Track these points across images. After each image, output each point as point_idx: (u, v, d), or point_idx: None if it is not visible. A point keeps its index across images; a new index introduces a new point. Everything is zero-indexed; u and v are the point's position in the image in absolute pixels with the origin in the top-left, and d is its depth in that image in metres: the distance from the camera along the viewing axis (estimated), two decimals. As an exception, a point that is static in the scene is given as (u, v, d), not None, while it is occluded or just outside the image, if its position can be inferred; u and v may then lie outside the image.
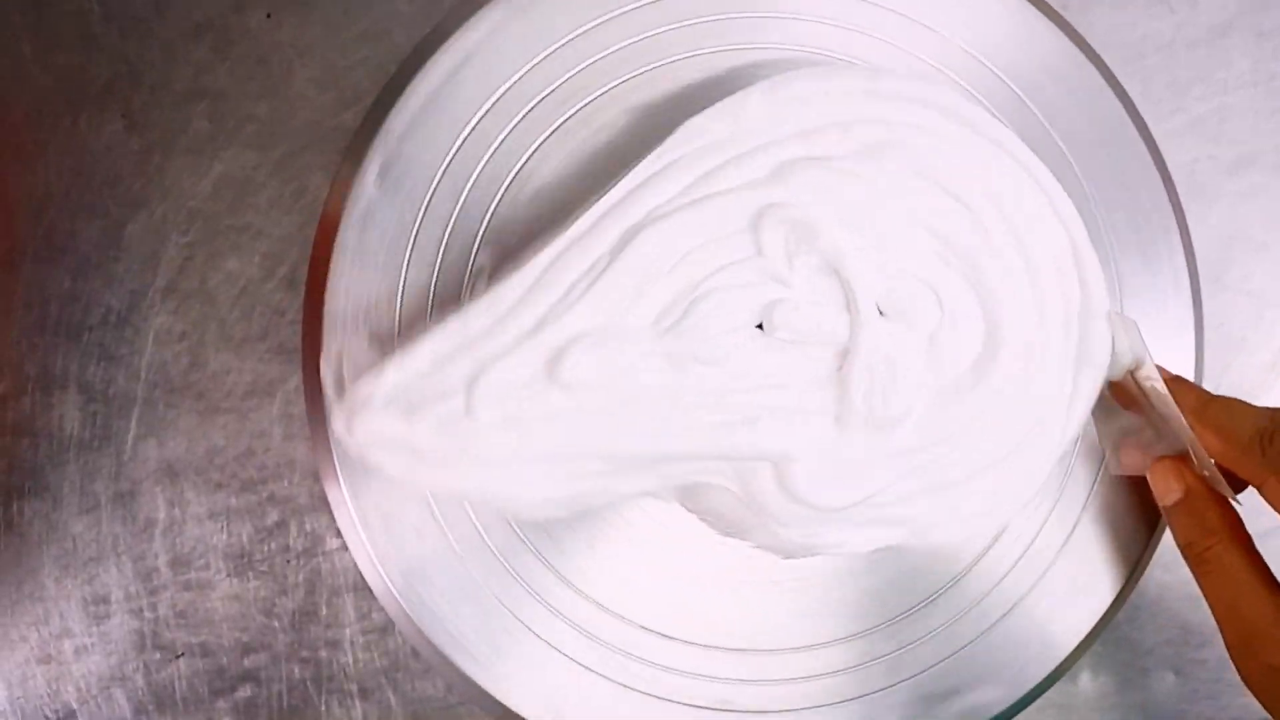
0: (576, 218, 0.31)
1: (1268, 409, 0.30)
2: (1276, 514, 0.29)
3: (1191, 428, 0.30)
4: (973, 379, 0.31)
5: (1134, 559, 0.34)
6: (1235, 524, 0.30)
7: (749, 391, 0.30)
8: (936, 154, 0.31)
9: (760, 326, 0.31)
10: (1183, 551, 0.31)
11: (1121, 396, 0.32)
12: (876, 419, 0.30)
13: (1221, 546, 0.30)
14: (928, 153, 0.31)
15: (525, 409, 0.30)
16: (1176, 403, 0.30)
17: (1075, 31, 0.36)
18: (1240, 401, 0.31)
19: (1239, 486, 0.30)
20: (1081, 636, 0.33)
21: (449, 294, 0.34)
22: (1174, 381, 0.31)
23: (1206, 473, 0.30)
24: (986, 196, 0.31)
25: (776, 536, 0.31)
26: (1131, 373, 0.31)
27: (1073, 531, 0.34)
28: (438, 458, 0.30)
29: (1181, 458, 0.31)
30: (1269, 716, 0.28)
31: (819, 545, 0.31)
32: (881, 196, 0.30)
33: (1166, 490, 0.31)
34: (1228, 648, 0.30)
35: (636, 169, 0.31)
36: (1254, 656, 0.29)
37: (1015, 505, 0.31)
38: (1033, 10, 0.36)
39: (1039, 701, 0.33)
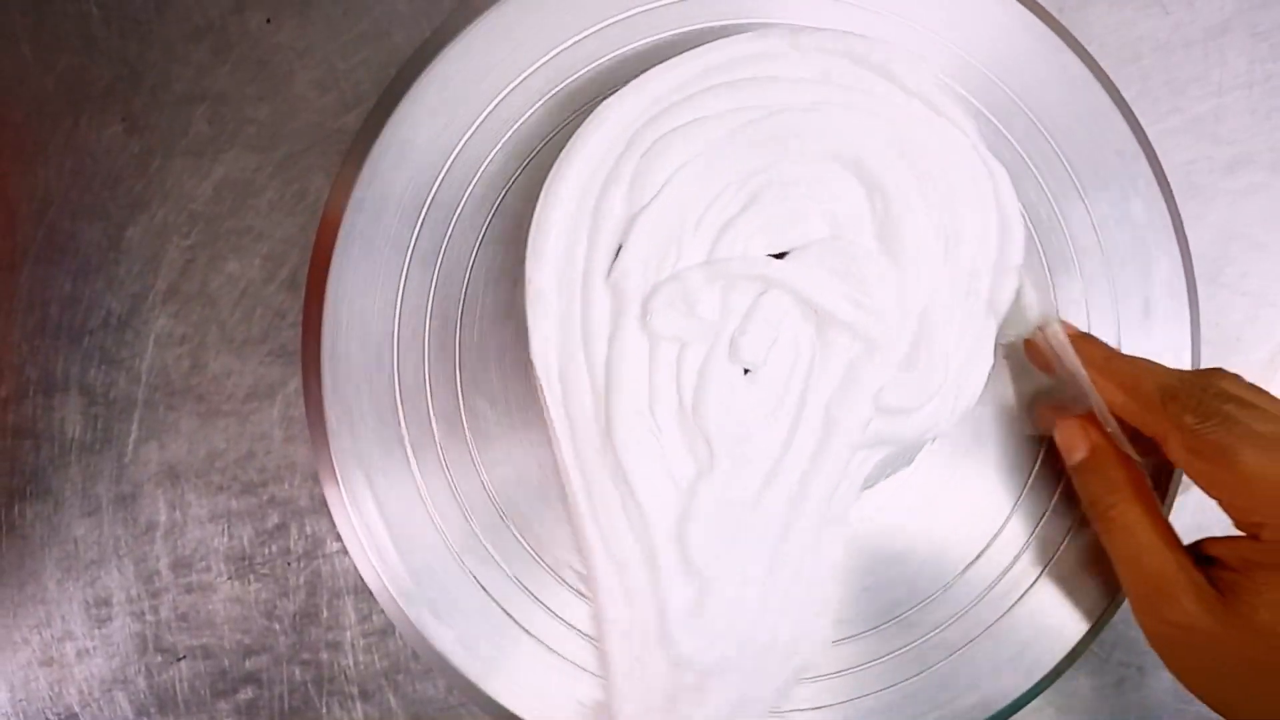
0: (567, 488, 0.32)
1: (1173, 368, 0.30)
2: (1177, 466, 0.29)
3: (1097, 384, 0.30)
4: (895, 221, 0.31)
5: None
6: (1139, 482, 0.31)
7: (800, 413, 0.31)
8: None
9: (747, 372, 0.31)
10: (1087, 509, 0.32)
11: (1035, 357, 0.33)
12: (878, 310, 0.31)
13: (1125, 504, 0.30)
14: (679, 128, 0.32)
15: (722, 616, 0.30)
16: (1084, 359, 0.31)
17: (1068, 31, 0.36)
18: (1145, 359, 0.31)
19: (1144, 444, 0.30)
20: (1079, 636, 0.34)
21: (449, 296, 0.34)
22: (1081, 338, 0.32)
23: (1110, 430, 0.30)
24: (736, 68, 0.32)
25: (943, 428, 0.32)
26: (1042, 330, 0.32)
27: (1069, 531, 0.34)
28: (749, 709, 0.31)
29: (1088, 416, 0.31)
30: None
31: (972, 396, 0.32)
32: (668, 204, 0.31)
33: (1072, 448, 0.32)
34: (1130, 604, 0.30)
35: (555, 424, 0.32)
36: (1153, 612, 0.29)
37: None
38: (1025, 10, 0.36)
39: (1037, 700, 0.33)
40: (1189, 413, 0.28)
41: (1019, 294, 0.31)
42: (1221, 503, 0.28)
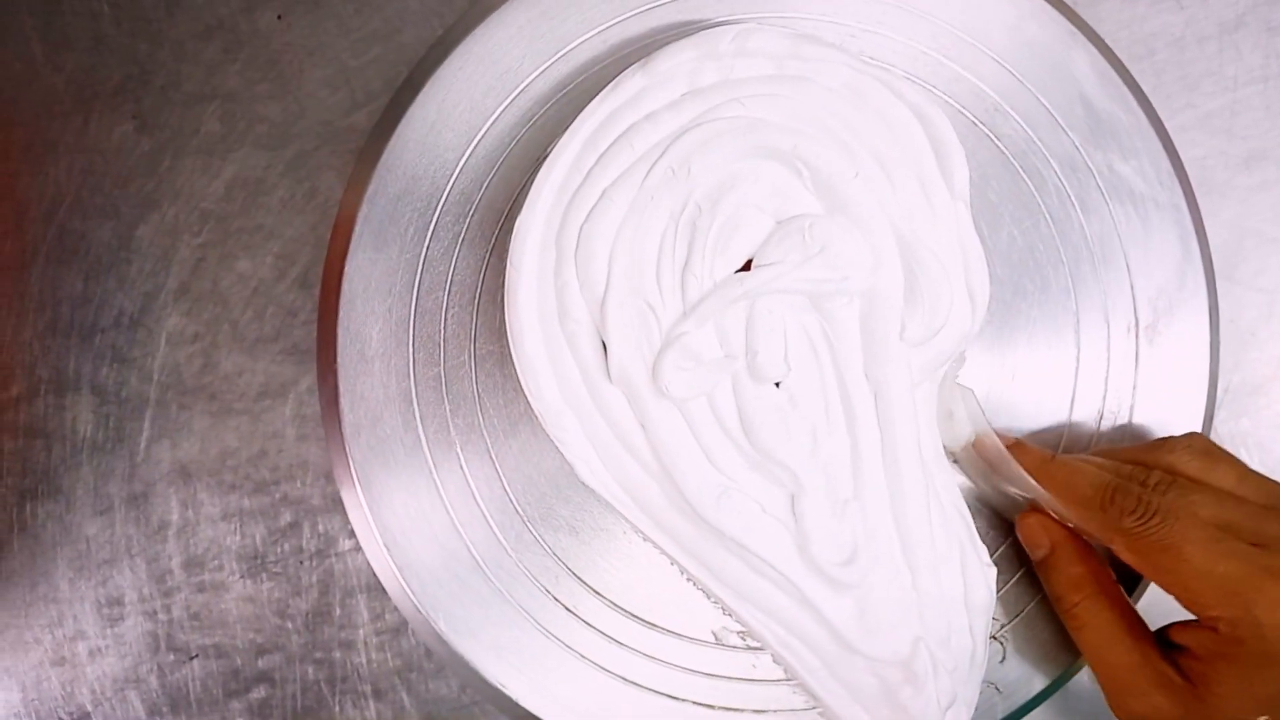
0: (689, 575, 0.32)
1: (1109, 463, 0.30)
2: (1132, 567, 0.29)
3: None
4: (827, 179, 0.31)
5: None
6: (1101, 576, 0.31)
7: (847, 393, 0.31)
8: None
9: (778, 384, 0.31)
10: (1053, 604, 0.32)
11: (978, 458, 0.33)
12: (855, 262, 0.31)
13: (1088, 601, 0.30)
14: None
15: (889, 609, 0.30)
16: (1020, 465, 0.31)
17: (1086, 23, 0.36)
18: (1080, 459, 0.31)
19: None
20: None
21: (464, 294, 0.34)
22: (1013, 447, 0.32)
23: (1071, 524, 0.30)
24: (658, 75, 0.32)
25: (975, 326, 0.32)
26: (978, 443, 0.32)
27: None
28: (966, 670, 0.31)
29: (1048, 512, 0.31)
30: None
31: (984, 284, 0.32)
32: (623, 284, 0.31)
33: (1034, 545, 0.32)
34: (1103, 695, 0.30)
35: (645, 529, 0.32)
36: (1124, 706, 0.29)
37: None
38: (1042, 3, 0.36)
39: (1050, 700, 0.33)
40: (1128, 515, 0.28)
41: (951, 407, 0.32)
42: (1177, 598, 0.28)
